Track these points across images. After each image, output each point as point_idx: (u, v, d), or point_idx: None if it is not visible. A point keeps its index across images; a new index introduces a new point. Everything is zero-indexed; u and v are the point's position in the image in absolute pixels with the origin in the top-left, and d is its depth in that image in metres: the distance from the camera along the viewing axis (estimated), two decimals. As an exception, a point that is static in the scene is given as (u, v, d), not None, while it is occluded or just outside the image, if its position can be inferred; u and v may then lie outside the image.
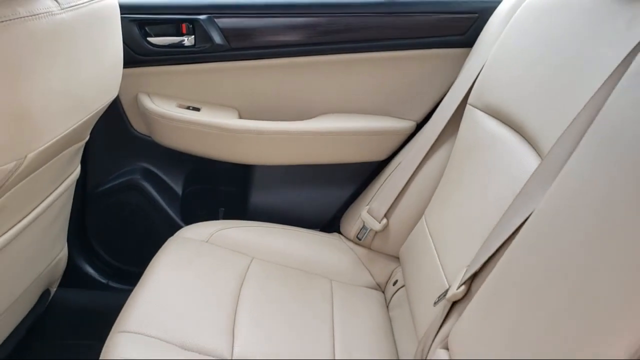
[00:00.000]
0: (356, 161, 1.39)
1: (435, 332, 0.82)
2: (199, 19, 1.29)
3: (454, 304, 0.82)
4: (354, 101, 1.38)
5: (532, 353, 0.58)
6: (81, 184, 1.35)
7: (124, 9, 1.11)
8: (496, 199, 0.87)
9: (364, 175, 1.43)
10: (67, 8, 0.84)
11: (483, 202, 0.92)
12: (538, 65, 0.93)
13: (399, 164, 1.26)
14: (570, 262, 0.58)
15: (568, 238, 0.60)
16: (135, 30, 1.28)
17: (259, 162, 1.39)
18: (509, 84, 1.00)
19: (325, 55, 1.34)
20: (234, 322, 0.98)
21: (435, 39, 1.31)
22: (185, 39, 1.30)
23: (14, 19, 0.73)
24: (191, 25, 1.30)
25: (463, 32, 1.30)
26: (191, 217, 1.45)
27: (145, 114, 1.35)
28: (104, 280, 1.52)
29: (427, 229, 1.09)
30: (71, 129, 0.93)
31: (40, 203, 1.05)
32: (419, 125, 1.34)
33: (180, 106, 1.36)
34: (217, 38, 1.30)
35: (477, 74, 1.13)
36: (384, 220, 1.22)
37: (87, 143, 1.16)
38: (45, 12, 0.79)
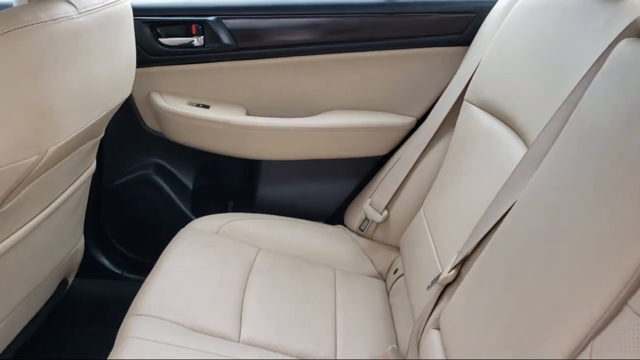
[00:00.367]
0: (359, 156, 1.44)
1: (429, 314, 0.88)
2: (208, 20, 1.35)
3: (446, 287, 0.88)
4: (356, 98, 1.43)
5: (506, 331, 0.63)
6: (97, 179, 1.41)
7: (136, 11, 1.17)
8: (487, 189, 0.92)
9: (366, 169, 1.47)
10: (84, 12, 0.90)
11: (475, 192, 0.97)
12: (527, 62, 0.98)
13: (399, 158, 1.31)
14: (536, 251, 0.64)
15: (537, 227, 0.66)
16: (147, 31, 1.34)
17: (266, 157, 1.45)
18: (501, 80, 1.05)
19: (328, 54, 1.39)
20: (242, 307, 1.03)
21: (435, 37, 1.36)
22: (195, 39, 1.36)
23: (36, 23, 0.80)
24: (200, 26, 1.36)
25: (461, 31, 1.34)
26: (201, 210, 1.50)
27: (157, 111, 1.41)
28: (118, 271, 1.58)
29: (424, 219, 1.14)
30: (88, 125, 0.99)
31: (59, 195, 1.11)
32: (419, 121, 1.38)
33: (191, 104, 1.41)
34: (225, 38, 1.36)
35: (473, 71, 1.18)
36: (385, 212, 1.28)
37: (102, 139, 1.22)
38: (65, 17, 0.85)
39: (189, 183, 1.57)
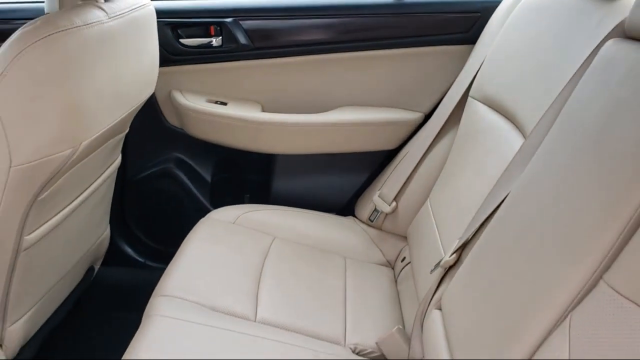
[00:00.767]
0: (369, 150, 1.50)
1: (431, 296, 0.94)
2: (226, 21, 1.42)
3: (448, 271, 0.94)
4: (367, 95, 1.49)
5: (498, 307, 0.70)
6: (121, 172, 1.48)
7: (159, 13, 1.24)
8: (489, 180, 0.98)
9: (376, 162, 1.54)
10: (113, 17, 0.98)
11: (478, 183, 1.03)
12: (527, 60, 1.04)
13: (407, 152, 1.37)
14: (526, 235, 0.70)
15: (528, 213, 0.72)
16: (169, 32, 1.42)
17: (281, 151, 1.52)
18: (503, 77, 1.11)
19: (341, 52, 1.45)
20: (258, 290, 1.10)
21: (442, 36, 1.42)
22: (214, 40, 1.43)
23: (72, 28, 0.87)
24: (219, 28, 1.43)
25: (467, 30, 1.40)
26: (219, 202, 1.56)
27: (178, 108, 1.49)
28: (141, 259, 1.66)
29: (430, 209, 1.20)
30: (115, 121, 1.07)
31: (88, 187, 1.19)
32: (427, 117, 1.44)
33: (209, 101, 1.49)
34: (242, 39, 1.43)
35: (477, 68, 1.24)
36: (394, 204, 1.34)
37: (126, 135, 1.29)
38: (97, 22, 0.93)
39: (207, 176, 1.64)
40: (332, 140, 1.48)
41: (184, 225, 1.33)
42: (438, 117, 1.32)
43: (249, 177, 1.65)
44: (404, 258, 1.30)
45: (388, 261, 1.35)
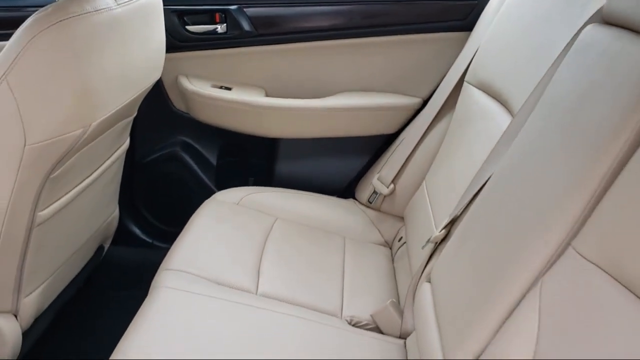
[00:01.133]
0: (369, 134, 1.54)
1: (422, 269, 0.99)
2: (230, 9, 1.46)
3: (438, 246, 0.99)
4: (367, 80, 1.53)
5: (479, 275, 0.75)
6: (130, 155, 1.52)
7: (165, 1, 1.27)
8: (479, 160, 1.02)
9: (376, 146, 1.58)
10: (121, 3, 1.03)
11: (469, 163, 1.08)
12: (517, 45, 1.08)
13: (405, 136, 1.42)
14: (505, 209, 0.75)
15: (509, 188, 0.77)
16: (175, 19, 1.46)
17: (284, 135, 1.56)
18: (496, 62, 1.15)
19: (341, 39, 1.49)
20: (259, 265, 1.16)
21: (440, 23, 1.46)
22: (219, 26, 1.48)
23: (82, 14, 0.92)
24: (223, 15, 1.47)
25: (464, 17, 1.44)
26: (224, 184, 1.60)
27: (184, 93, 1.53)
28: (148, 239, 1.72)
29: (426, 190, 1.25)
30: (124, 104, 1.12)
31: (98, 167, 1.24)
32: (425, 102, 1.48)
33: (214, 86, 1.53)
34: (246, 26, 1.47)
35: (473, 54, 1.28)
36: (392, 186, 1.39)
37: (134, 119, 1.34)
38: (106, 8, 0.97)
39: (213, 159, 1.69)
40: (333, 125, 1.52)
41: (190, 207, 1.37)
42: (435, 102, 1.36)
43: (253, 160, 1.70)
44: (401, 238, 1.35)
45: (386, 241, 1.40)
